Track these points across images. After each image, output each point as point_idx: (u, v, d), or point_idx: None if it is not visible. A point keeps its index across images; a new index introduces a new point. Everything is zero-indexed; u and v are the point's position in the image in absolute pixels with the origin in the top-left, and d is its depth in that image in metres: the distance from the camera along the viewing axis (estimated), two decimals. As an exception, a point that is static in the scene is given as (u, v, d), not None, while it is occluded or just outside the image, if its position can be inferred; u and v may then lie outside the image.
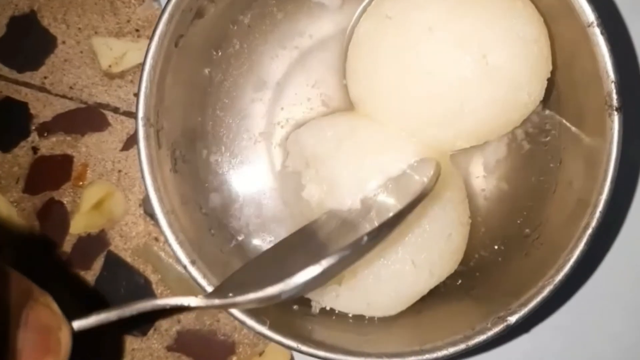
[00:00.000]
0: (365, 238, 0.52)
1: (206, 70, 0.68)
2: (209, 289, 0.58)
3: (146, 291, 0.76)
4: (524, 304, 0.58)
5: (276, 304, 0.57)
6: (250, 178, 0.69)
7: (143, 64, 0.58)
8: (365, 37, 0.63)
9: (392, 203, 0.60)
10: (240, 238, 0.67)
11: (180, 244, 0.59)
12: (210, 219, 0.66)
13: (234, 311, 0.58)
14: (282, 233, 0.67)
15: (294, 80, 0.70)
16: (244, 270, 0.59)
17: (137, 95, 0.59)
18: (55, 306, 0.45)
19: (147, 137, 0.59)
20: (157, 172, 0.59)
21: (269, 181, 0.70)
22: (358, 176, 0.63)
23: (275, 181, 0.69)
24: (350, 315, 0.65)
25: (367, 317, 0.65)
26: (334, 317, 0.64)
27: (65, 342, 0.44)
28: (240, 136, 0.69)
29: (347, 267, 0.54)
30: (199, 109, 0.68)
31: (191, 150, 0.66)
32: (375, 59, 0.62)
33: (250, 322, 0.58)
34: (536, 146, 0.69)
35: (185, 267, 0.59)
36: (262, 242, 0.69)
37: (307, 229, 0.62)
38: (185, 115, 0.65)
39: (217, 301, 0.52)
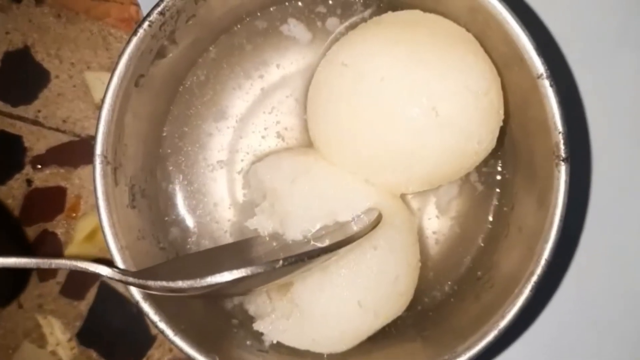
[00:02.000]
0: (281, 262, 0.54)
1: (167, 105, 0.69)
2: (161, 324, 0.59)
3: (139, 321, 0.77)
4: (469, 348, 0.58)
5: (231, 338, 0.58)
6: (208, 210, 0.71)
7: (101, 104, 0.60)
8: (323, 84, 0.65)
9: (326, 241, 0.60)
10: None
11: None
12: (167, 253, 0.67)
13: (182, 345, 0.59)
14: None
15: (256, 111, 0.71)
16: (170, 263, 0.63)
17: (94, 134, 0.60)
18: None
19: (104, 175, 0.60)
20: (113, 208, 0.61)
21: (226, 213, 0.71)
22: (308, 215, 0.64)
23: (233, 213, 0.71)
24: (301, 349, 0.65)
25: (316, 354, 0.65)
26: (285, 354, 0.65)
27: None
28: (199, 165, 0.70)
29: (260, 285, 0.59)
30: (159, 141, 0.70)
31: (151, 184, 0.68)
32: (331, 105, 0.63)
33: (200, 357, 0.59)
34: (489, 189, 0.70)
35: (137, 303, 0.59)
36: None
37: (247, 242, 0.66)
38: (145, 150, 0.67)
39: (130, 279, 0.56)
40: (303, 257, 0.56)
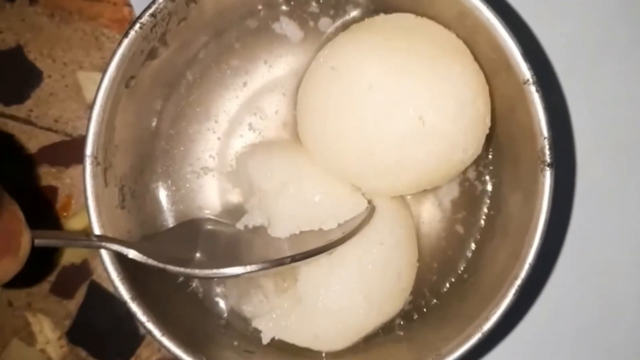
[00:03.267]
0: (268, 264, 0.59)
1: (157, 106, 0.70)
2: (149, 325, 0.60)
3: (128, 320, 0.77)
4: (453, 350, 0.59)
5: (218, 339, 0.60)
6: (194, 211, 0.71)
7: (92, 105, 0.60)
8: (313, 86, 0.65)
9: (311, 243, 0.62)
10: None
11: (122, 280, 0.60)
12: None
13: (170, 345, 0.59)
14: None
15: (245, 111, 0.72)
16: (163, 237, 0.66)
17: (85, 134, 0.60)
18: (21, 214, 0.51)
19: (94, 176, 0.61)
20: (102, 209, 0.61)
21: (214, 214, 0.71)
22: (294, 219, 0.65)
23: (220, 213, 0.71)
24: (293, 349, 0.66)
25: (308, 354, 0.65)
26: (274, 354, 0.65)
27: (25, 245, 0.51)
28: (187, 166, 0.71)
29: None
30: (148, 143, 0.70)
31: (140, 185, 0.68)
32: (319, 110, 0.64)
33: (187, 357, 0.59)
34: (477, 193, 0.71)
35: (125, 303, 0.60)
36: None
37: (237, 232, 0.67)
38: (135, 151, 0.67)
39: (151, 261, 0.58)
40: (295, 258, 0.60)
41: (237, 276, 0.59)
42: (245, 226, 0.66)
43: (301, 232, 0.64)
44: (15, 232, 0.50)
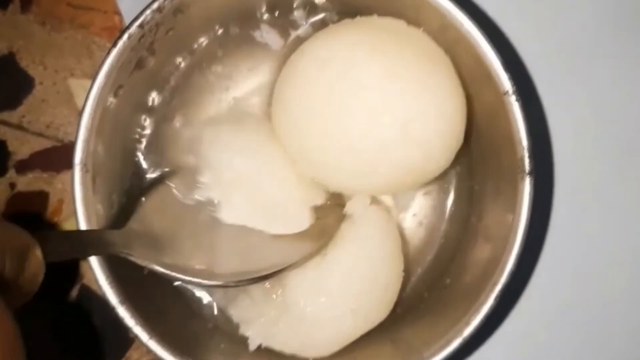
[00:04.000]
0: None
1: (142, 115, 0.71)
2: (137, 329, 0.61)
3: (118, 322, 0.78)
4: (435, 354, 0.60)
5: (206, 342, 0.62)
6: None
7: (81, 114, 0.61)
8: (295, 79, 0.65)
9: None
10: (176, 282, 0.70)
11: (110, 284, 0.61)
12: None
13: (157, 349, 0.61)
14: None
15: (227, 117, 0.73)
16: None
17: (74, 142, 0.61)
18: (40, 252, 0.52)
19: (83, 183, 0.62)
20: (92, 216, 0.62)
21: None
22: (244, 211, 0.67)
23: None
24: (283, 354, 0.67)
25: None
26: (262, 358, 0.67)
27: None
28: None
29: None
30: (135, 152, 0.71)
31: (129, 193, 0.69)
32: (302, 102, 0.64)
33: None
34: (461, 200, 0.73)
35: (114, 308, 0.61)
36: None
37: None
38: (124, 159, 0.68)
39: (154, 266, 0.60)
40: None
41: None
42: (198, 201, 0.67)
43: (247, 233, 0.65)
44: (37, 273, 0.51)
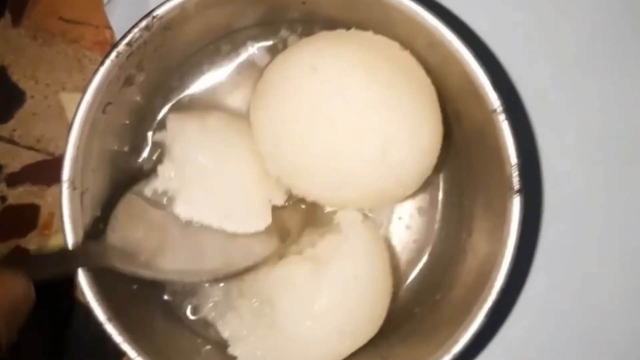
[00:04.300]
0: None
1: (133, 131, 0.71)
2: (125, 345, 0.61)
3: (106, 336, 0.78)
4: (422, 373, 0.59)
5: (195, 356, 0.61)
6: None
7: (69, 130, 0.61)
8: (279, 87, 0.65)
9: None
10: (165, 297, 0.70)
11: (98, 302, 0.61)
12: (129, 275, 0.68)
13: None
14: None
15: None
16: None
17: (62, 159, 0.61)
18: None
19: (72, 200, 0.62)
20: (79, 232, 0.62)
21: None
22: (200, 206, 0.67)
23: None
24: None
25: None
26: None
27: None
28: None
29: None
30: (124, 168, 0.71)
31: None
32: (285, 102, 0.64)
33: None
34: (451, 216, 0.73)
35: (101, 325, 0.61)
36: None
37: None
38: (112, 175, 0.68)
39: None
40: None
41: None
42: (154, 191, 0.67)
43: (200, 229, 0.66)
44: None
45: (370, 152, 0.62)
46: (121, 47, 0.61)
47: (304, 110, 0.63)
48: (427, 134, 0.63)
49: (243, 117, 0.70)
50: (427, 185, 0.69)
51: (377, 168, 0.62)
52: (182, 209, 0.67)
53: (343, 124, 0.62)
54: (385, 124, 0.62)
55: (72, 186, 0.62)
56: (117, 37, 0.75)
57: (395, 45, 0.66)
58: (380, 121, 0.62)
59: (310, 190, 0.66)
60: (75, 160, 0.62)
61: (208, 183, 0.66)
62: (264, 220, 0.68)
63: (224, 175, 0.67)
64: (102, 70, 0.61)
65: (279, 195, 0.69)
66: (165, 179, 0.67)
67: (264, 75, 0.67)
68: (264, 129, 0.66)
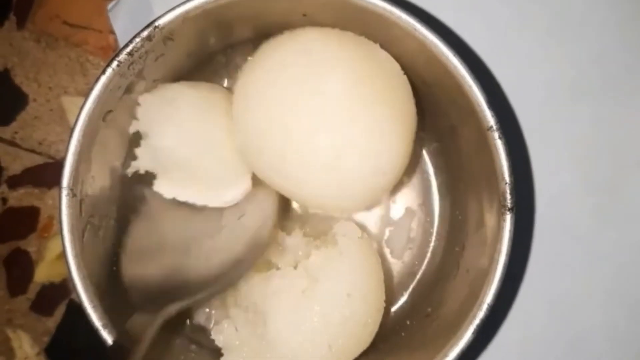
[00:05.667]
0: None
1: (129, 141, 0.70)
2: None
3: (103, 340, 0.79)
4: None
5: None
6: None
7: (70, 138, 0.62)
8: (265, 81, 0.65)
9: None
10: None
11: (94, 308, 0.62)
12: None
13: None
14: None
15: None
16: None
17: (63, 164, 0.62)
18: None
19: (70, 206, 0.62)
20: (77, 239, 0.62)
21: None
22: (180, 183, 0.68)
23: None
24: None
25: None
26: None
27: None
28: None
29: None
30: (122, 174, 0.71)
31: (117, 215, 0.69)
32: (272, 90, 0.64)
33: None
34: (444, 229, 0.74)
35: (97, 331, 0.61)
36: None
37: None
38: (111, 182, 0.69)
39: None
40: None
41: None
42: (135, 172, 0.67)
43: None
44: None
45: (326, 152, 0.62)
46: (122, 56, 0.62)
47: (272, 102, 0.63)
48: (385, 158, 0.64)
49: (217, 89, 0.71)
50: (423, 199, 0.71)
51: (328, 171, 0.62)
52: (162, 187, 0.67)
53: (306, 119, 0.62)
54: (346, 124, 0.62)
55: (72, 193, 0.62)
56: (121, 42, 0.75)
57: (377, 48, 0.66)
58: (342, 121, 0.62)
59: (277, 184, 0.67)
60: (75, 167, 0.62)
61: (184, 161, 0.66)
62: (242, 190, 0.69)
63: (198, 150, 0.67)
64: (103, 79, 0.62)
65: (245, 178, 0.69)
66: (141, 157, 0.67)
67: (244, 69, 0.68)
68: (243, 125, 0.66)
